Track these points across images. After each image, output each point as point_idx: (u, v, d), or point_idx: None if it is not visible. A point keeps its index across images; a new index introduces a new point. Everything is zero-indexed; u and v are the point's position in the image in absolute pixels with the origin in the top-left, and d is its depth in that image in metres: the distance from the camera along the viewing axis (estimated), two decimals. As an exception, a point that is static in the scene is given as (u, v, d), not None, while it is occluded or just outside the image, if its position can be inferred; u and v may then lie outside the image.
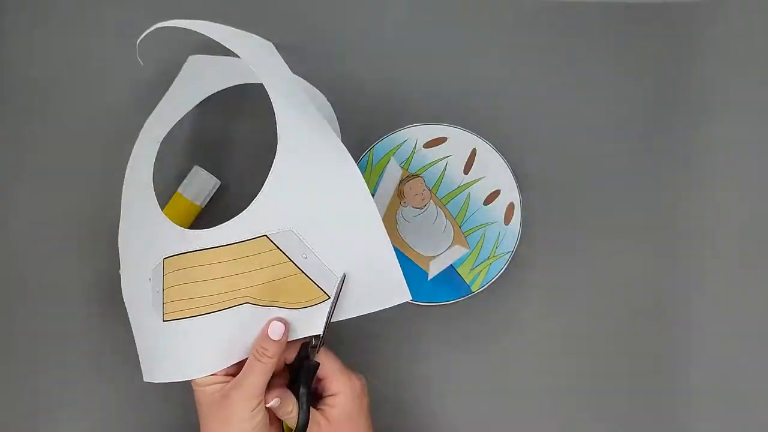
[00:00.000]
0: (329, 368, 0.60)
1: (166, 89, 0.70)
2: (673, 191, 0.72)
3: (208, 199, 0.70)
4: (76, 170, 0.72)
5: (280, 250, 0.57)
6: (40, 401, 0.70)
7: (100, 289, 0.71)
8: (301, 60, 0.72)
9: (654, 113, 0.72)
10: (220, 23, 0.63)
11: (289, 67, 0.65)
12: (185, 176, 0.70)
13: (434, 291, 0.70)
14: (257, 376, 0.56)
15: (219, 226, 0.56)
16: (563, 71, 0.72)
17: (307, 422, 0.59)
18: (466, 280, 0.70)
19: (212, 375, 0.58)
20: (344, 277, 0.57)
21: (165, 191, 0.70)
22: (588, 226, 0.72)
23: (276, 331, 0.57)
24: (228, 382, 0.58)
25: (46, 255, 0.71)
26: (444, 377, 0.70)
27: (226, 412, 0.56)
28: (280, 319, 0.58)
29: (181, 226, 0.69)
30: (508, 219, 0.71)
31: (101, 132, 0.72)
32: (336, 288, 0.57)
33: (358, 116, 0.72)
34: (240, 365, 0.59)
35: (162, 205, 0.70)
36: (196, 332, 0.58)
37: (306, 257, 0.57)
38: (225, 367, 0.58)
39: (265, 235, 0.56)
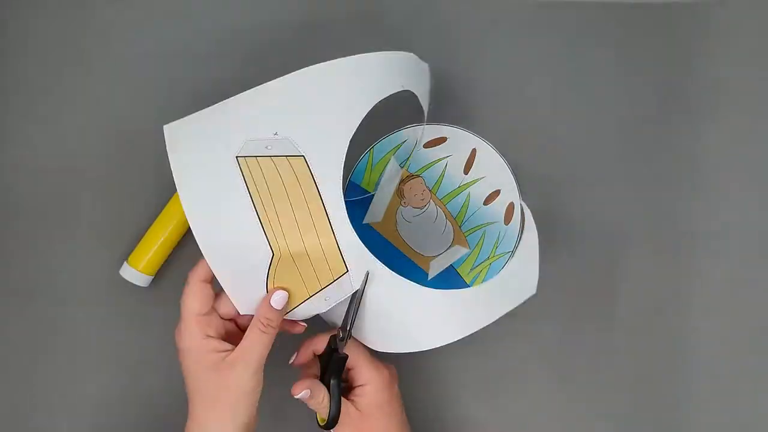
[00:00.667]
0: (357, 359, 0.61)
1: (167, 88, 0.70)
2: (674, 191, 0.72)
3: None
4: (77, 169, 0.72)
5: (332, 282, 0.58)
6: (39, 402, 0.70)
7: (99, 288, 0.71)
8: (301, 60, 0.72)
9: (654, 113, 0.72)
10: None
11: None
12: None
13: (434, 291, 0.70)
14: (263, 346, 0.57)
15: (349, 223, 0.56)
16: (563, 71, 0.72)
17: (339, 412, 0.59)
18: (466, 280, 0.70)
19: (213, 339, 0.57)
20: (367, 274, 0.58)
21: (165, 191, 0.70)
22: (588, 225, 0.72)
23: (279, 300, 0.58)
24: (229, 350, 0.57)
25: (45, 254, 0.71)
26: (443, 377, 0.70)
27: (228, 382, 0.56)
28: (283, 288, 0.58)
29: (181, 226, 0.69)
30: (508, 219, 0.71)
31: (101, 131, 0.72)
32: (361, 284, 0.58)
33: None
34: (233, 336, 0.59)
35: (161, 205, 0.70)
36: (233, 202, 0.56)
37: (326, 300, 0.59)
38: (210, 271, 0.57)
39: (348, 273, 0.58)
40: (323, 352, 0.62)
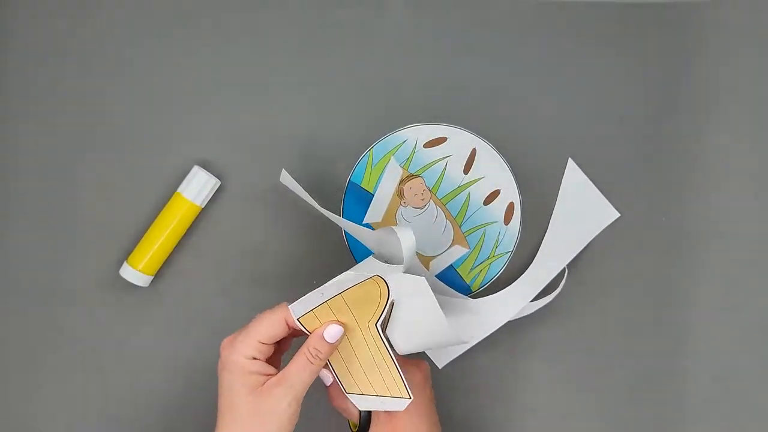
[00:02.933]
0: None
1: (167, 89, 0.71)
2: (674, 191, 0.72)
3: (208, 199, 0.70)
4: (77, 169, 0.72)
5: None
6: (39, 402, 0.70)
7: (99, 288, 0.71)
8: (301, 60, 0.72)
9: (654, 113, 0.72)
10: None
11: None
12: (185, 176, 0.70)
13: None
14: (307, 375, 0.56)
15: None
16: (563, 71, 0.72)
17: (369, 415, 0.59)
18: (466, 280, 0.70)
19: (259, 360, 0.56)
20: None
21: (165, 191, 0.70)
22: (588, 226, 0.72)
23: (333, 335, 0.57)
24: (272, 375, 0.56)
25: (45, 254, 0.71)
26: (443, 378, 0.70)
27: (265, 406, 0.55)
28: (339, 323, 0.57)
29: (181, 226, 0.69)
30: (508, 219, 0.71)
31: (102, 131, 0.72)
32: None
33: (358, 116, 0.72)
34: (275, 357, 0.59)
35: (161, 205, 0.70)
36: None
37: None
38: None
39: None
40: None
